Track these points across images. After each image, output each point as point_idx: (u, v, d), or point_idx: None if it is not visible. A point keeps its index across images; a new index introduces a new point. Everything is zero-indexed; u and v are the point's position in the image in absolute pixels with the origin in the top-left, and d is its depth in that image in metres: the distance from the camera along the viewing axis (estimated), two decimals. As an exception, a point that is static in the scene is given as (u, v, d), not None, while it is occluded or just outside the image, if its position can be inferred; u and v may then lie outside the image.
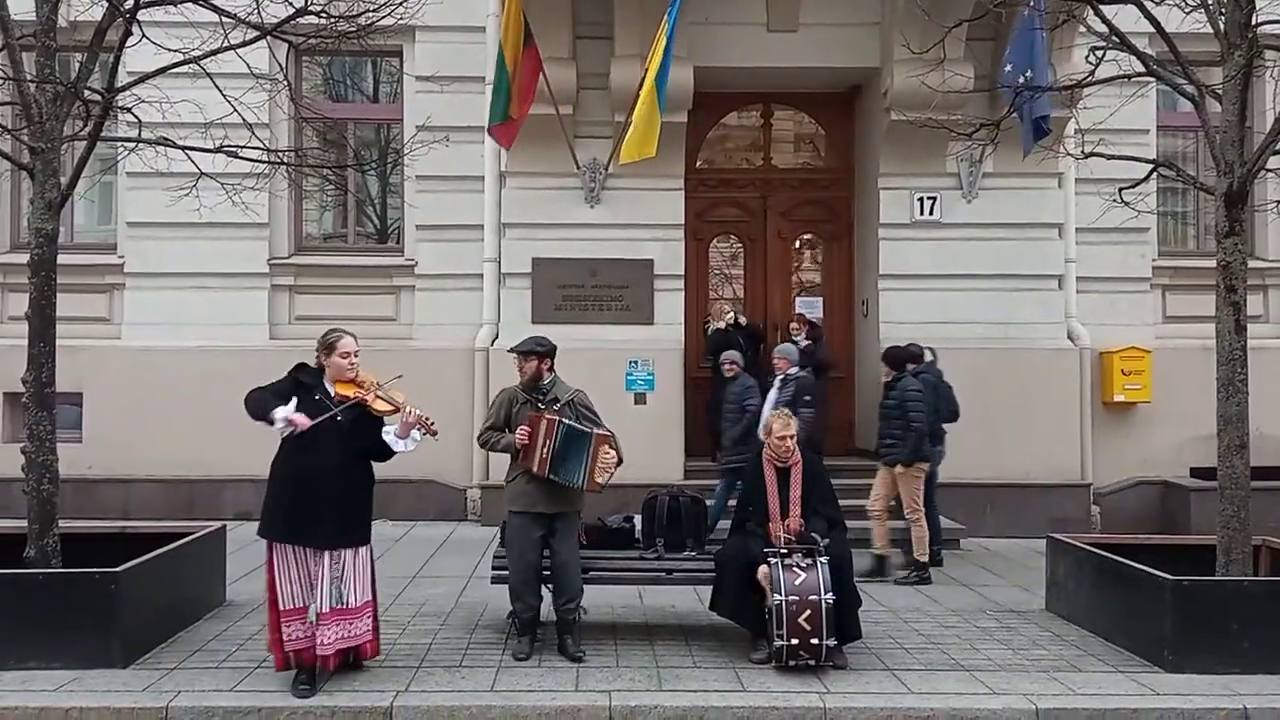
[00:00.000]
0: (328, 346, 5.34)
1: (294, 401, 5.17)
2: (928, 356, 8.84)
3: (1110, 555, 6.43)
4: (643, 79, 8.61)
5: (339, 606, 5.23)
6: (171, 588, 6.20)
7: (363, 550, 5.39)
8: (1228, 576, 5.97)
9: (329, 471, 5.20)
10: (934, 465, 8.47)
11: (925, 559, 7.99)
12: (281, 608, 5.23)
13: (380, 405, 5.30)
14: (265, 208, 10.04)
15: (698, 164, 11.19)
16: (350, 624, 5.29)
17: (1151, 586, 5.84)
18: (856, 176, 11.31)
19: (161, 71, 6.42)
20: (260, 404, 5.15)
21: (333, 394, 5.30)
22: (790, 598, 5.49)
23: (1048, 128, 8.77)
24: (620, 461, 5.84)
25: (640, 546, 6.41)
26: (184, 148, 6.60)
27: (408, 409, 5.30)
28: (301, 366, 5.41)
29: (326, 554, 5.21)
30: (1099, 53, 6.91)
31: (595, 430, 5.77)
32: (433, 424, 5.39)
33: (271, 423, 5.09)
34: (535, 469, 5.70)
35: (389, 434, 5.35)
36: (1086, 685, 5.44)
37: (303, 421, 5.08)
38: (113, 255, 10.76)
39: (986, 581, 8.09)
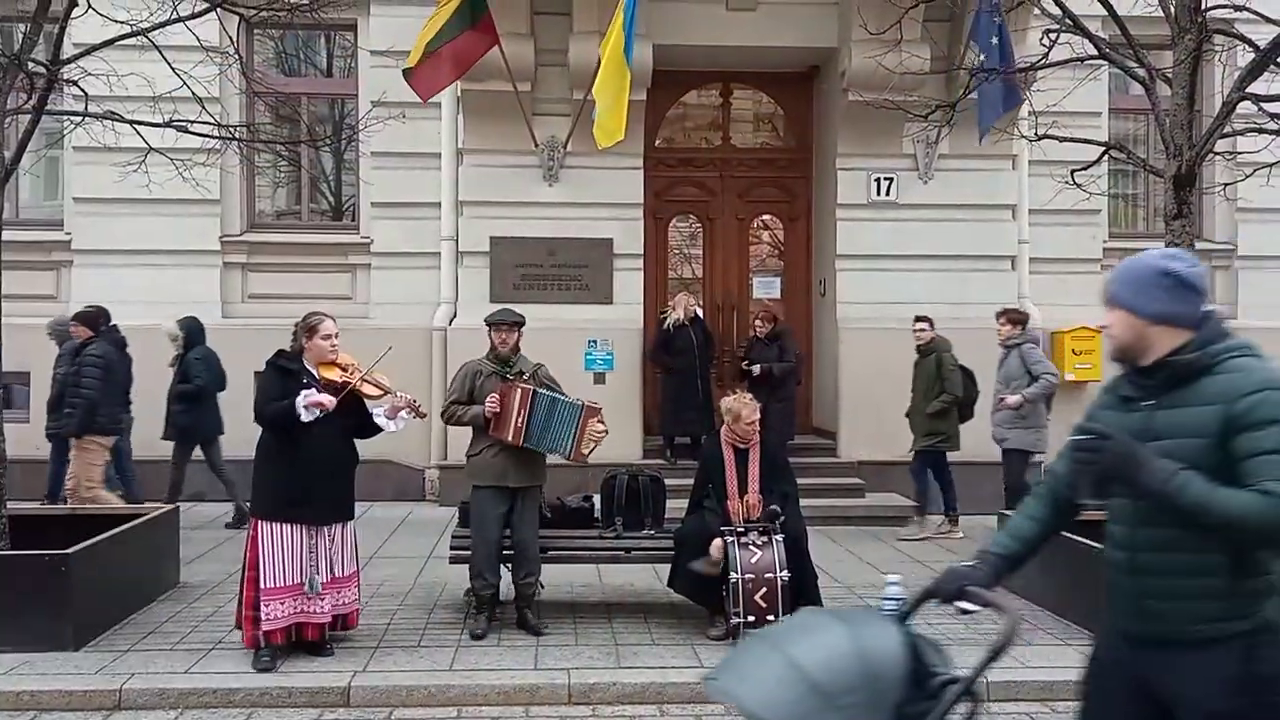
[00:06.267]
0: (310, 329, 5.42)
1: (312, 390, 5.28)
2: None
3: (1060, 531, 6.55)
4: (599, 58, 8.55)
5: (333, 577, 5.42)
6: (124, 570, 6.12)
7: (350, 523, 5.59)
8: (1172, 551, 6.11)
9: (326, 451, 5.35)
10: (123, 438, 8.26)
11: None
12: (263, 586, 5.24)
13: (368, 390, 5.46)
14: (216, 184, 9.85)
15: (657, 143, 11.16)
16: (341, 592, 5.49)
17: (1100, 561, 5.95)
18: (814, 157, 11.35)
19: (108, 43, 6.28)
20: (283, 413, 5.21)
21: (317, 377, 5.37)
22: (746, 575, 5.54)
23: (1020, 98, 8.75)
24: (606, 433, 5.91)
25: (599, 525, 6.42)
26: (132, 122, 6.46)
27: (397, 394, 5.51)
28: (280, 353, 5.47)
29: (324, 529, 5.38)
30: (1052, 35, 7.00)
31: (585, 403, 5.82)
32: (419, 406, 5.62)
33: (298, 415, 5.17)
34: (510, 439, 5.70)
35: (379, 415, 5.52)
36: (1036, 658, 5.56)
37: (329, 401, 5.21)
38: (60, 232, 10.53)
39: (939, 557, 8.21)
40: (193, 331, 8.77)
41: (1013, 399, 8.31)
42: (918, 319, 8.98)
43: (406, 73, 8.87)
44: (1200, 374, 2.45)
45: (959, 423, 8.76)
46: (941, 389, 8.64)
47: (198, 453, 8.81)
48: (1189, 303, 2.50)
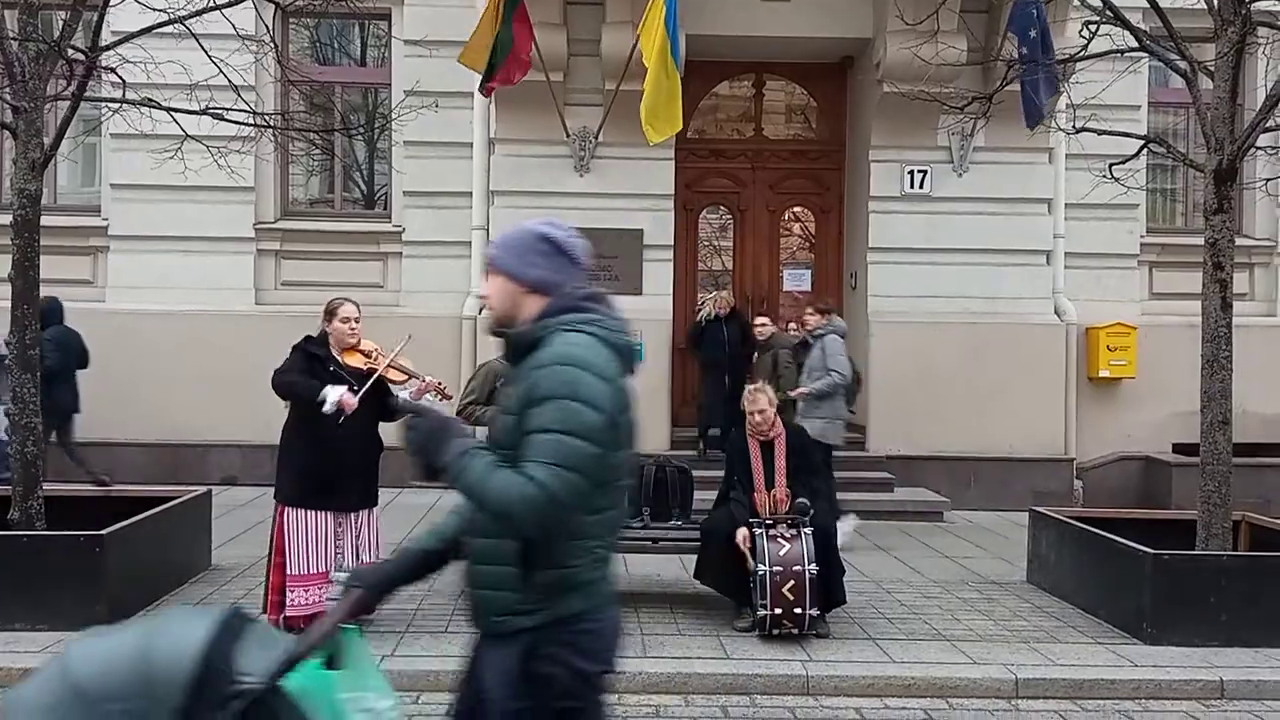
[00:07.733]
0: (329, 312, 5.51)
1: (343, 386, 5.33)
2: None
3: (1092, 529, 6.50)
4: (633, 50, 8.49)
5: (359, 563, 5.42)
6: (157, 551, 6.20)
7: (375, 510, 5.67)
8: (1207, 551, 6.04)
9: (351, 439, 5.39)
10: None
11: None
12: (289, 572, 5.34)
13: (394, 375, 5.52)
14: (251, 171, 9.91)
15: (688, 134, 11.08)
16: None
17: (1132, 560, 5.90)
18: (847, 149, 11.26)
19: (146, 31, 6.34)
20: (304, 388, 5.29)
21: (341, 364, 5.44)
22: (774, 568, 5.52)
23: (1058, 91, 8.59)
24: None
25: (626, 516, 6.42)
26: (169, 109, 6.51)
27: (423, 377, 5.55)
28: (308, 339, 5.54)
29: (349, 516, 5.46)
30: (1092, 27, 6.90)
31: None
32: (445, 388, 5.68)
33: (321, 404, 5.24)
34: None
35: (403, 394, 5.55)
36: (1065, 656, 5.51)
37: (351, 402, 5.26)
38: (96, 217, 10.65)
39: (969, 553, 8.16)
40: (49, 312, 8.41)
41: (795, 392, 8.21)
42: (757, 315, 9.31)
43: (482, 85, 9.01)
44: (533, 347, 2.31)
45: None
46: (778, 385, 8.54)
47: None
48: (563, 271, 2.40)
